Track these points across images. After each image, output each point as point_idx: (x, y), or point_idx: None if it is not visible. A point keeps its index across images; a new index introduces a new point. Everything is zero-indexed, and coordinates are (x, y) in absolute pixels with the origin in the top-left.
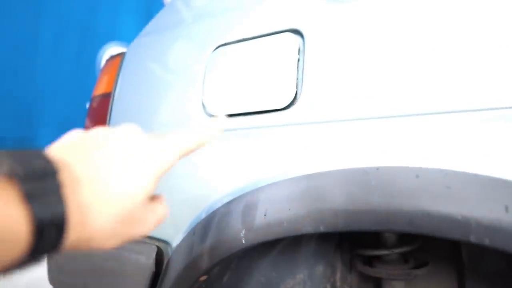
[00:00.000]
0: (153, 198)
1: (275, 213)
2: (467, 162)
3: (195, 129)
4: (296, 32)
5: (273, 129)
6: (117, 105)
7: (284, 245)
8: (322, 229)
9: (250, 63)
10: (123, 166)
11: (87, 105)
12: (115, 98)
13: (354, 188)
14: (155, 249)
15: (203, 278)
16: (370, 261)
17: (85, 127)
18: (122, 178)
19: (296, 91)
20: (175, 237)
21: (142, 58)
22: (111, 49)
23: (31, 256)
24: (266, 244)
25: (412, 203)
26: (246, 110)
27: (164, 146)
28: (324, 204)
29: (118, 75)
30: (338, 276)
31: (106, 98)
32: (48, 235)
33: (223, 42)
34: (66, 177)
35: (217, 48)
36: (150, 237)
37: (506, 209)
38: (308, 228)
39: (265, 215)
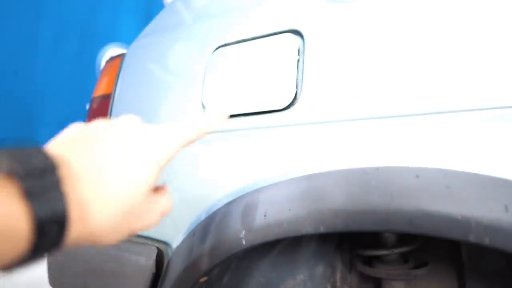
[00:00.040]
0: (157, 189)
1: (275, 213)
2: (467, 161)
3: (196, 119)
4: (296, 32)
5: (273, 129)
6: (117, 106)
7: (284, 246)
8: (322, 229)
9: (250, 64)
10: (123, 160)
11: (87, 106)
12: (115, 99)
13: (354, 189)
14: (155, 250)
15: (203, 279)
16: (370, 261)
17: None
18: (122, 172)
19: (296, 92)
20: (175, 238)
21: (142, 59)
22: (111, 50)
23: (33, 254)
24: (266, 245)
25: (411, 203)
26: (246, 111)
27: (165, 137)
28: (324, 205)
29: (118, 76)
30: (338, 276)
31: (106, 99)
32: (49, 232)
33: (223, 43)
34: (65, 174)
35: (217, 49)
36: (150, 238)
37: (506, 208)
38: (308, 229)
39: (265, 215)
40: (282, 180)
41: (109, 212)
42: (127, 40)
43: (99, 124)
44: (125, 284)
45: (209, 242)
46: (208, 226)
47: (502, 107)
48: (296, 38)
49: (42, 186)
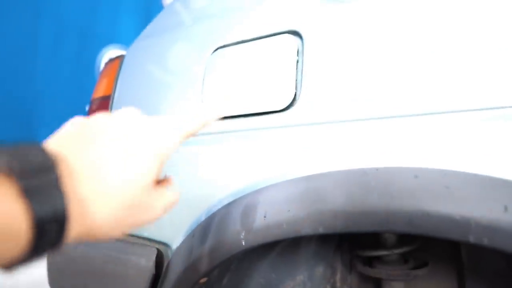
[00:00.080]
0: (162, 181)
1: (274, 215)
2: (467, 162)
3: (196, 111)
4: (295, 33)
5: (272, 130)
6: (117, 108)
7: (283, 247)
8: (321, 230)
9: (249, 65)
10: (123, 155)
11: (87, 108)
12: (114, 100)
13: (353, 189)
14: (155, 252)
15: (203, 280)
16: (370, 261)
17: None
18: (122, 168)
19: (295, 93)
20: (175, 239)
21: (141, 61)
22: (110, 52)
23: (33, 253)
24: (266, 246)
25: (411, 203)
26: (246, 112)
27: (165, 130)
28: (323, 206)
29: (117, 77)
30: (338, 277)
31: (106, 100)
32: (49, 231)
33: (222, 44)
34: (64, 171)
35: (216, 50)
36: (150, 240)
37: (505, 209)
38: (307, 230)
39: (264, 217)
40: (282, 181)
41: (109, 209)
42: (127, 42)
43: (99, 118)
44: (125, 285)
45: (209, 243)
46: (208, 227)
47: (502, 107)
48: (295, 39)
49: (41, 184)
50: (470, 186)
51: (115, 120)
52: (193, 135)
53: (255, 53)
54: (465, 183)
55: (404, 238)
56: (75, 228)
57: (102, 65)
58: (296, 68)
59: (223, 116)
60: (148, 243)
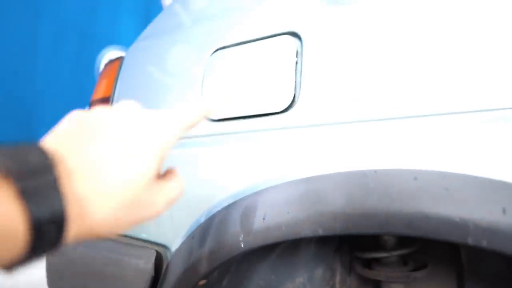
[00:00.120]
0: (165, 174)
1: (273, 216)
2: (467, 163)
3: (196, 102)
4: (294, 34)
5: (272, 132)
6: None
7: (283, 249)
8: (320, 232)
9: (249, 66)
10: (122, 152)
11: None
12: (114, 102)
13: (353, 191)
14: (154, 254)
15: (202, 282)
16: (369, 263)
17: None
18: (121, 165)
19: (294, 94)
20: (174, 241)
21: (140, 62)
22: (110, 53)
23: (31, 254)
24: (265, 248)
25: (410, 205)
26: (244, 114)
27: (165, 124)
28: (322, 207)
29: (117, 79)
30: (337, 279)
31: (105, 102)
32: (47, 232)
33: (221, 45)
34: (62, 171)
35: (215, 51)
36: (149, 242)
37: (504, 211)
38: (307, 232)
39: (263, 218)
40: (281, 182)
41: (109, 208)
42: (126, 43)
43: (98, 113)
44: (124, 287)
45: (208, 245)
46: (207, 229)
47: (502, 108)
48: (294, 40)
49: (39, 185)
50: (469, 188)
51: (114, 115)
52: (194, 126)
53: (254, 55)
54: (464, 185)
55: (403, 240)
56: (74, 228)
57: (101, 66)
58: (295, 70)
59: (222, 113)
60: (147, 245)
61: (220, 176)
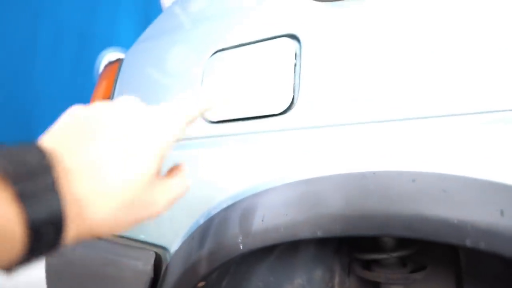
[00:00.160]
0: (171, 170)
1: (272, 218)
2: (467, 165)
3: (195, 96)
4: (293, 37)
5: (270, 134)
6: None
7: (282, 250)
8: (319, 234)
9: (247, 68)
10: (121, 151)
11: None
12: None
13: (352, 193)
14: (153, 255)
15: (201, 283)
16: (368, 265)
17: None
18: (121, 165)
19: (293, 96)
20: (174, 242)
21: (140, 64)
22: (110, 55)
23: (30, 255)
24: (264, 249)
25: (409, 207)
26: (244, 115)
27: (165, 122)
28: (321, 209)
29: (116, 80)
30: (336, 280)
31: None
32: (45, 234)
33: (220, 48)
34: (60, 172)
35: (214, 53)
36: (148, 243)
37: (502, 213)
38: (305, 234)
39: (262, 220)
40: (280, 184)
41: (108, 207)
42: (126, 45)
43: (98, 110)
44: None
45: (207, 246)
46: (206, 231)
47: (502, 111)
48: (293, 42)
49: (36, 187)
50: (467, 190)
51: (114, 113)
52: (196, 119)
53: (253, 57)
54: (462, 187)
55: (403, 242)
56: (74, 229)
57: (101, 68)
58: (294, 72)
59: (221, 115)
60: (146, 246)
61: (219, 178)
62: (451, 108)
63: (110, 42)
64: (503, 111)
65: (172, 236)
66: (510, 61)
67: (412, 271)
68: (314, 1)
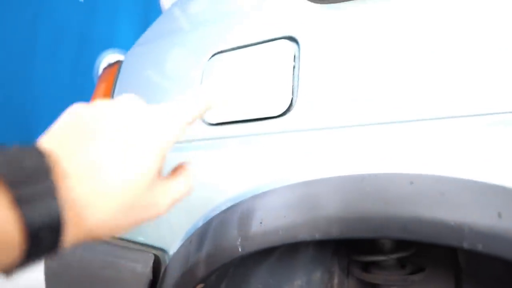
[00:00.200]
0: (175, 170)
1: (271, 221)
2: (467, 167)
3: (195, 95)
4: (291, 39)
5: (269, 136)
6: None
7: (281, 252)
8: (317, 236)
9: (246, 70)
10: (121, 153)
11: None
12: None
13: (349, 195)
14: (152, 257)
15: (200, 286)
16: (367, 266)
17: None
18: (120, 166)
19: (292, 98)
20: (172, 245)
21: (139, 66)
22: (109, 57)
23: (28, 260)
24: (263, 251)
25: (406, 209)
26: (242, 118)
27: (165, 122)
28: (319, 212)
29: (115, 82)
30: (335, 281)
31: None
32: (44, 239)
33: (219, 50)
34: (59, 175)
35: (213, 55)
36: (147, 245)
37: (499, 215)
38: (304, 236)
39: (261, 223)
40: (278, 186)
41: (108, 208)
42: (125, 46)
43: (98, 110)
44: None
45: (206, 249)
46: (205, 233)
47: (502, 113)
48: (292, 44)
49: (34, 192)
50: (465, 192)
51: (114, 113)
52: (196, 119)
53: (252, 59)
54: (460, 189)
55: (401, 243)
56: (73, 231)
57: (100, 70)
58: (293, 74)
59: (220, 117)
60: (145, 248)
61: (218, 180)
62: (449, 110)
63: (109, 44)
64: (502, 113)
65: (171, 238)
66: (508, 62)
67: (411, 273)
68: (312, 4)
